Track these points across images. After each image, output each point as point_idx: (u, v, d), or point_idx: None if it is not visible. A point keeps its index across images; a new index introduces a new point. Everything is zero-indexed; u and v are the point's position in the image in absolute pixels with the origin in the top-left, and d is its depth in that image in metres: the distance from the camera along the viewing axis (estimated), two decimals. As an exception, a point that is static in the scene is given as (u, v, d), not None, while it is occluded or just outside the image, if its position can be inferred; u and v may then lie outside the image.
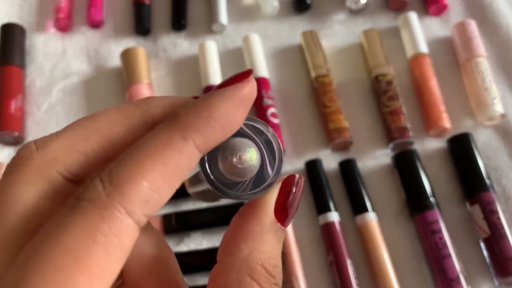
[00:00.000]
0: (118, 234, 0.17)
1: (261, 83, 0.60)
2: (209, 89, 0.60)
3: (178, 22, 0.66)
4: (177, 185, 0.19)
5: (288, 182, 0.22)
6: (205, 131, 0.19)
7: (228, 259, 0.20)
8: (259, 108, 0.59)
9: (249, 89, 0.20)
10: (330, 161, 0.57)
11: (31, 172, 0.18)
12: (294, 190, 0.22)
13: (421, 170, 0.54)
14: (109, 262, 0.17)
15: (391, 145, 0.57)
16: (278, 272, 0.20)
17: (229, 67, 0.63)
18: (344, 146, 0.58)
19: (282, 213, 0.21)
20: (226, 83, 0.20)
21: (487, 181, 0.53)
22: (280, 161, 0.21)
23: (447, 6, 0.65)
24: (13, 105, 0.60)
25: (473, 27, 0.62)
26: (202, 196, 0.24)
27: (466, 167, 0.55)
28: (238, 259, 0.20)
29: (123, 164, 0.17)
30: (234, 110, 0.19)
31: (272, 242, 0.21)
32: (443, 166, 0.57)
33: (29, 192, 0.18)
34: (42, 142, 0.19)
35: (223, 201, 0.55)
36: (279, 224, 0.21)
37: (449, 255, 0.50)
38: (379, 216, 0.54)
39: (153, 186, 0.17)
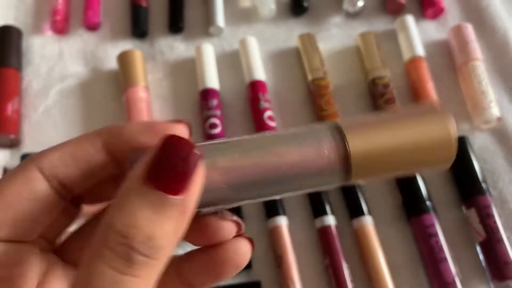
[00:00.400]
0: None
1: (258, 86, 0.60)
2: (205, 92, 0.60)
3: (175, 25, 0.66)
4: (87, 174, 0.23)
5: (163, 142, 0.20)
6: (113, 136, 0.23)
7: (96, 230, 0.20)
8: (256, 111, 0.59)
9: (164, 126, 0.23)
10: (326, 164, 0.57)
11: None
12: (169, 149, 0.20)
13: (417, 173, 0.54)
14: None
15: (387, 149, 0.57)
16: (137, 234, 0.18)
17: (226, 70, 0.63)
18: (341, 149, 0.58)
19: (158, 176, 0.19)
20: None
21: (483, 184, 0.53)
22: None
23: (444, 9, 0.65)
24: (10, 108, 0.59)
25: (469, 30, 0.62)
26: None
27: (462, 170, 0.55)
28: (99, 226, 0.19)
29: None
30: (140, 133, 0.23)
31: (134, 204, 0.19)
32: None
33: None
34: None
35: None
36: (155, 189, 0.19)
37: (445, 259, 0.50)
38: (375, 219, 0.54)
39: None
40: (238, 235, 0.24)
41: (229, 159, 0.22)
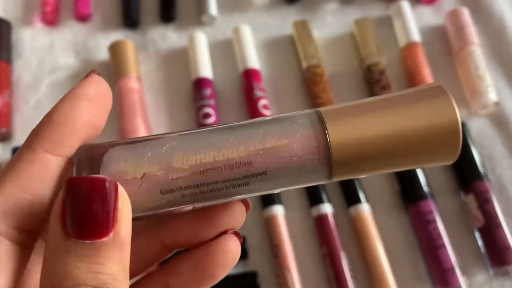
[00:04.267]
0: None
1: (252, 74, 0.59)
2: (198, 81, 0.59)
3: (167, 14, 0.65)
4: (38, 191, 0.19)
5: (70, 186, 0.18)
6: (48, 135, 0.20)
7: None
8: (250, 100, 0.58)
9: (85, 86, 0.21)
10: (322, 153, 0.57)
11: None
12: (80, 195, 0.18)
13: (416, 169, 0.54)
14: None
15: (384, 136, 0.56)
16: None
17: (219, 59, 0.62)
18: (337, 137, 0.57)
19: (78, 226, 0.17)
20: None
21: (481, 170, 0.53)
22: None
23: (440, -6, 0.64)
24: (0, 101, 0.58)
25: (465, 15, 0.61)
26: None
27: (460, 156, 0.54)
28: None
29: None
30: (71, 107, 0.20)
31: (65, 262, 0.17)
32: (437, 155, 0.56)
33: None
34: None
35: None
36: (75, 239, 0.17)
37: (444, 245, 0.50)
38: (372, 207, 0.53)
39: (7, 198, 0.19)
40: (226, 231, 0.23)
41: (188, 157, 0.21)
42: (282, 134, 0.20)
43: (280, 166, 0.20)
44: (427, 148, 0.20)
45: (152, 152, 0.21)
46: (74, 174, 0.20)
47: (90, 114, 0.21)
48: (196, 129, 0.22)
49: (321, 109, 0.21)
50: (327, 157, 0.20)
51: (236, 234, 0.23)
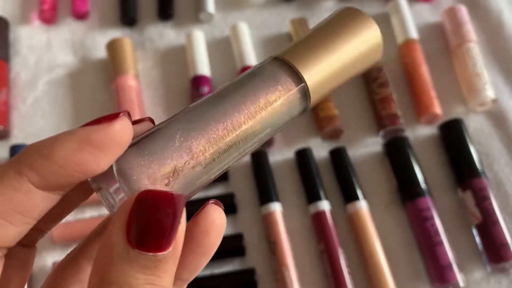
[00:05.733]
0: None
1: (250, 72, 0.59)
2: (196, 79, 0.59)
3: (165, 12, 0.65)
4: (20, 221, 0.19)
5: (140, 198, 0.18)
6: (40, 169, 0.19)
7: None
8: (247, 98, 0.58)
9: (102, 134, 0.19)
10: (320, 150, 0.57)
11: None
12: (149, 207, 0.18)
13: (412, 158, 0.54)
14: None
15: (381, 133, 0.56)
16: None
17: (217, 56, 0.62)
18: (334, 135, 0.57)
19: (143, 238, 0.18)
20: (91, 122, 0.20)
21: (479, 167, 0.53)
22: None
23: (437, -9, 0.64)
24: (-2, 99, 0.59)
25: (463, 12, 0.61)
26: None
27: (457, 153, 0.54)
28: None
29: None
30: (77, 152, 0.19)
31: (125, 272, 0.18)
32: (434, 153, 0.56)
33: None
34: None
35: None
36: (138, 250, 0.18)
37: (441, 242, 0.50)
38: (370, 204, 0.53)
39: None
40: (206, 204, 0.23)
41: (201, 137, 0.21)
42: (270, 92, 0.24)
43: (277, 121, 0.24)
44: (364, 58, 0.26)
45: (169, 149, 0.21)
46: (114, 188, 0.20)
47: (96, 165, 0.19)
48: (194, 108, 0.23)
49: (281, 55, 0.25)
50: (306, 96, 0.24)
51: (216, 202, 0.23)
